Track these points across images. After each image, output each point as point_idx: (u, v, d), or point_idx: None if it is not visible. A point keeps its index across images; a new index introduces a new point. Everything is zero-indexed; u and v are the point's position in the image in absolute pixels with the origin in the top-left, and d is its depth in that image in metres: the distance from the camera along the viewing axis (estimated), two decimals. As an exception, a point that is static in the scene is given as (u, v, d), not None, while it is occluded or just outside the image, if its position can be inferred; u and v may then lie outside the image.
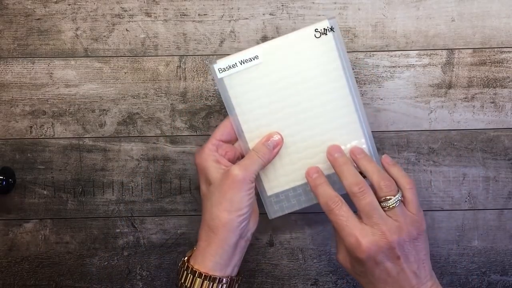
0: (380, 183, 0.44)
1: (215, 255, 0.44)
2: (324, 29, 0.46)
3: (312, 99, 0.47)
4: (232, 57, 0.46)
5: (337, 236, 0.45)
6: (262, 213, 0.49)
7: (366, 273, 0.43)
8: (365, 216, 0.43)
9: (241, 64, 0.46)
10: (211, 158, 0.46)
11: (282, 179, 0.49)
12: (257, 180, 0.48)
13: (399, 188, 0.45)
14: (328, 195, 0.44)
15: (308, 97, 0.47)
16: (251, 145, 0.48)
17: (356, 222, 0.43)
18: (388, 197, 0.43)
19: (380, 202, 0.43)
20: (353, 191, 0.43)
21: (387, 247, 0.42)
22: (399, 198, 0.44)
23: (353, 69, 0.53)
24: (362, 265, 0.43)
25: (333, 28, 0.46)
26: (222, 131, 0.47)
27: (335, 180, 0.47)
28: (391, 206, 0.43)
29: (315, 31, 0.46)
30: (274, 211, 0.49)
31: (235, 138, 0.48)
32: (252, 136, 0.48)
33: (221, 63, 0.46)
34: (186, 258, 0.46)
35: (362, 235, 0.42)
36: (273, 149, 0.47)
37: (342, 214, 0.43)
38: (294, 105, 0.47)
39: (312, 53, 0.46)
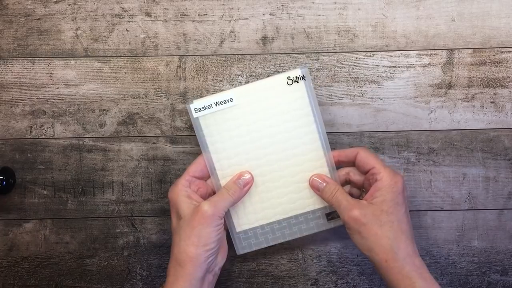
0: None
1: None
2: (296, 77, 0.48)
3: (283, 141, 0.49)
4: (208, 99, 0.48)
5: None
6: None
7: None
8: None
9: (216, 105, 0.48)
10: (183, 193, 0.47)
11: (251, 217, 0.51)
12: (227, 216, 0.50)
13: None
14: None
15: (279, 139, 0.49)
16: (222, 182, 0.50)
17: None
18: None
19: None
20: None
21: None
22: None
23: (353, 68, 0.53)
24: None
25: (304, 77, 0.48)
26: (195, 167, 0.49)
27: (308, 217, 0.51)
28: None
29: (288, 78, 0.48)
30: (242, 247, 0.51)
31: (207, 175, 0.50)
32: (224, 174, 0.50)
33: (197, 104, 0.48)
34: None
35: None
36: (243, 187, 0.49)
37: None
38: (265, 147, 0.49)
39: (284, 98, 0.49)
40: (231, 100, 0.48)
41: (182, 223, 0.46)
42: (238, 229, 0.51)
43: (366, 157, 0.47)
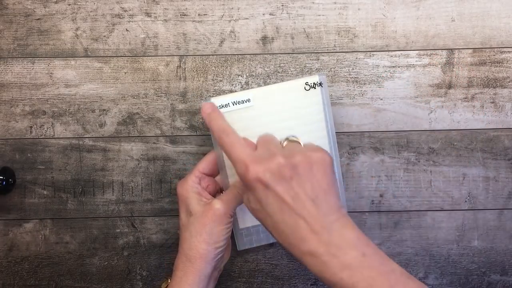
0: None
1: (192, 285, 0.45)
2: (314, 83, 0.49)
3: None
4: (226, 97, 0.49)
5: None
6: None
7: (261, 204, 0.40)
8: (260, 146, 0.43)
9: (233, 104, 0.49)
10: (193, 190, 0.47)
11: None
12: None
13: None
14: (220, 127, 0.43)
15: None
16: (231, 180, 0.50)
17: (245, 148, 0.41)
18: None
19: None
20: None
21: (276, 166, 0.39)
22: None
23: (353, 68, 0.53)
24: (254, 193, 0.40)
25: (322, 84, 0.49)
26: (205, 164, 0.49)
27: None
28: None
29: (306, 84, 0.49)
30: (243, 243, 0.52)
31: (217, 172, 0.50)
32: (233, 172, 0.49)
33: (215, 101, 0.49)
34: None
35: (249, 157, 0.40)
36: None
37: (230, 139, 0.42)
38: None
39: (299, 103, 0.49)
40: (248, 100, 0.49)
41: (192, 219, 0.46)
42: (242, 225, 0.51)
43: None
